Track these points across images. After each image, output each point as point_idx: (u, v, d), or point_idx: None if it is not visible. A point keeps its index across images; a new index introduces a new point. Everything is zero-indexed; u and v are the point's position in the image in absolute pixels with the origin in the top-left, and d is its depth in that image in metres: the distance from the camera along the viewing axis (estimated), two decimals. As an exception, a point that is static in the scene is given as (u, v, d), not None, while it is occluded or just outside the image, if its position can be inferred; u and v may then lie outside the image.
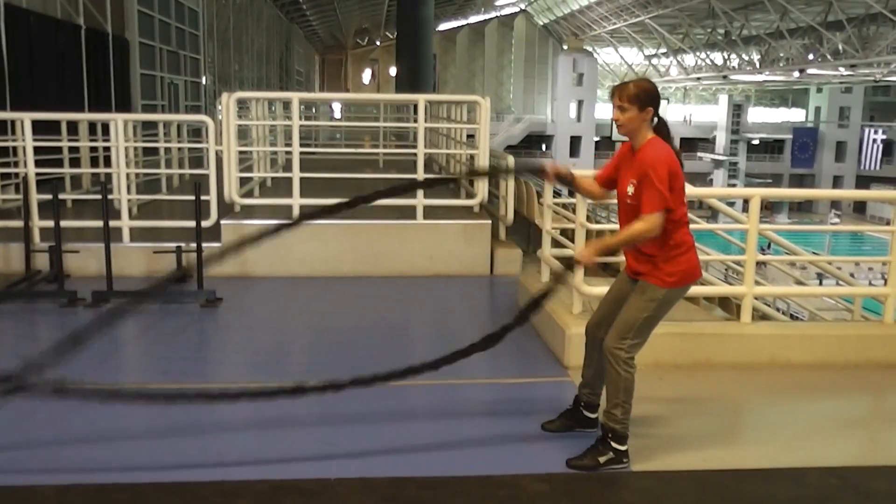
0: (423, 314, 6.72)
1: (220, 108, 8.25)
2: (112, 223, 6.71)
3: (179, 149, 11.13)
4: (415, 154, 8.06)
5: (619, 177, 3.74)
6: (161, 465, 3.74)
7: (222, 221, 7.45)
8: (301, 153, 7.66)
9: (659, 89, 3.71)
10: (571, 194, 7.60)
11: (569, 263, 3.98)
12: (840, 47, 40.80)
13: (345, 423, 4.25)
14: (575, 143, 62.28)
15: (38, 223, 7.20)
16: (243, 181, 8.07)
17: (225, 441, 4.03)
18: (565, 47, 64.96)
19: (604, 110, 59.51)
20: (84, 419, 4.21)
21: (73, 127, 9.57)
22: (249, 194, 8.37)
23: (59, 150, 9.17)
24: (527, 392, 4.82)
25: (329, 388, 3.92)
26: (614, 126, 3.73)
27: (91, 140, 9.64)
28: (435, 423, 4.32)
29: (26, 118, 7.49)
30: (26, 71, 11.70)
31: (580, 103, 62.83)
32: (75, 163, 9.57)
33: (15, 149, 8.67)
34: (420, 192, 7.68)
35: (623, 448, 3.67)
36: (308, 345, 5.90)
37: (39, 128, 7.69)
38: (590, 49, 64.28)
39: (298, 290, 7.17)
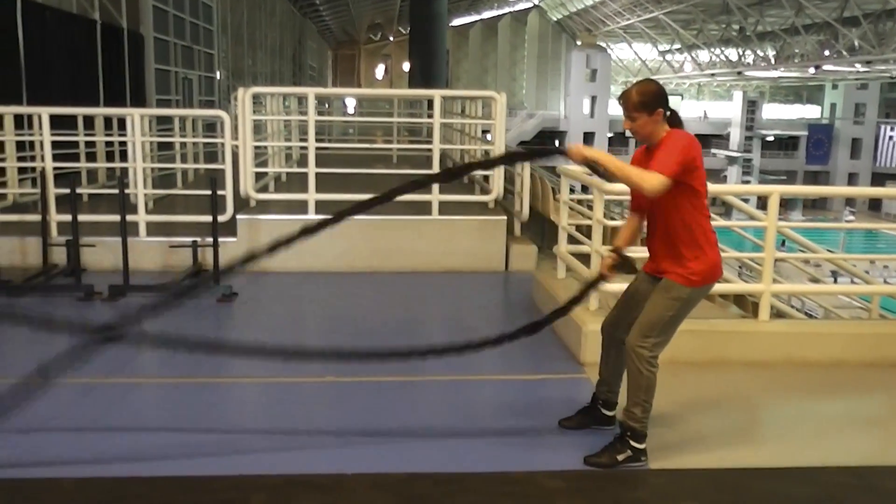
0: (438, 310, 6.72)
1: (234, 103, 8.27)
2: (128, 217, 6.75)
3: (194, 144, 11.16)
4: (428, 149, 8.06)
5: None
6: (176, 458, 3.76)
7: (238, 216, 7.48)
8: (315, 148, 7.68)
9: (663, 85, 3.69)
10: (585, 189, 7.57)
11: (601, 275, 3.99)
12: (856, 43, 40.51)
13: (358, 418, 4.26)
14: (588, 139, 62.04)
15: (55, 217, 7.25)
16: (258, 176, 8.09)
17: (239, 435, 4.05)
18: (578, 43, 64.73)
19: (617, 107, 59.32)
20: (100, 412, 4.25)
21: (87, 121, 9.62)
22: (264, 189, 8.39)
23: (74, 144, 9.21)
24: (542, 389, 4.81)
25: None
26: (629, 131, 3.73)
27: (106, 134, 9.68)
28: (449, 419, 4.32)
29: (44, 112, 7.53)
30: (42, 65, 11.75)
31: (593, 99, 62.60)
32: (90, 157, 9.61)
33: (32, 143, 8.71)
34: (436, 188, 7.68)
35: (641, 446, 3.66)
36: (323, 340, 5.91)
37: (56, 122, 7.73)
38: (603, 45, 64.04)
39: (313, 286, 7.19)
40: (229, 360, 5.49)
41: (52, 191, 7.30)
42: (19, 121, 8.84)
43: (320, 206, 7.56)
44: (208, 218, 6.70)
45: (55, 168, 7.51)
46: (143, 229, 7.38)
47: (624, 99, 3.62)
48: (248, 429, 4.16)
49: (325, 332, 6.07)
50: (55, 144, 7.64)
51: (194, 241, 7.06)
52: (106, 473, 3.60)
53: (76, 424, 4.09)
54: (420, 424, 4.23)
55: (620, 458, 3.66)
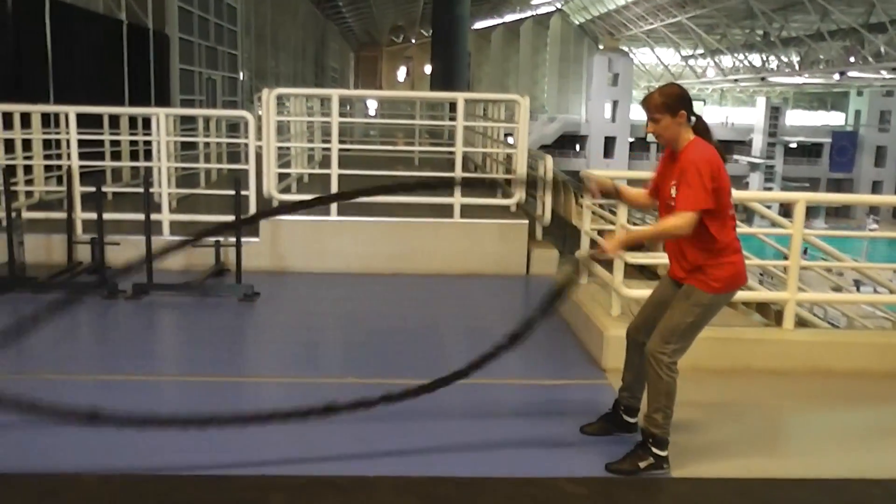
0: (458, 313, 6.71)
1: (257, 103, 8.31)
2: (152, 216, 6.80)
3: (217, 144, 11.23)
4: (449, 152, 8.06)
5: (662, 181, 3.71)
6: (197, 457, 3.77)
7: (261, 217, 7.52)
8: (338, 150, 7.71)
9: (687, 89, 3.68)
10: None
11: (592, 254, 3.92)
12: (882, 49, 40.06)
13: (381, 420, 4.25)
14: (609, 143, 61.82)
15: (80, 215, 7.31)
16: (281, 177, 8.13)
17: (261, 435, 4.05)
18: (601, 47, 64.55)
19: (639, 111, 59.05)
20: (124, 409, 4.27)
21: (112, 120, 9.70)
22: (287, 190, 8.42)
23: (100, 143, 9.29)
24: (564, 394, 4.80)
25: (360, 406, 3.87)
26: (652, 136, 3.71)
27: (131, 133, 9.76)
28: (471, 423, 4.31)
29: (71, 111, 7.60)
30: (69, 64, 11.88)
31: (615, 104, 62.33)
32: (115, 156, 9.70)
33: (58, 141, 8.80)
34: (458, 191, 7.68)
35: (663, 454, 3.63)
36: (343, 341, 5.92)
37: (82, 121, 7.80)
38: (625, 49, 63.81)
39: (335, 287, 7.20)
40: (249, 359, 5.55)
41: (78, 189, 7.36)
42: (45, 119, 8.92)
43: (342, 208, 7.58)
44: (231, 217, 6.73)
45: (81, 166, 7.58)
46: (166, 228, 7.43)
47: (647, 101, 3.62)
48: (270, 428, 4.15)
49: (343, 333, 6.07)
50: (81, 143, 7.71)
51: (217, 241, 7.10)
52: (127, 470, 3.62)
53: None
54: (441, 427, 4.22)
55: (642, 465, 3.63)
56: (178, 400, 4.64)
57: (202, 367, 5.12)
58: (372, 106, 26.96)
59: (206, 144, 10.90)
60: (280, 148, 8.11)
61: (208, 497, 3.47)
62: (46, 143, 8.76)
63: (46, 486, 3.48)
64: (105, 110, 9.42)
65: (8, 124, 7.99)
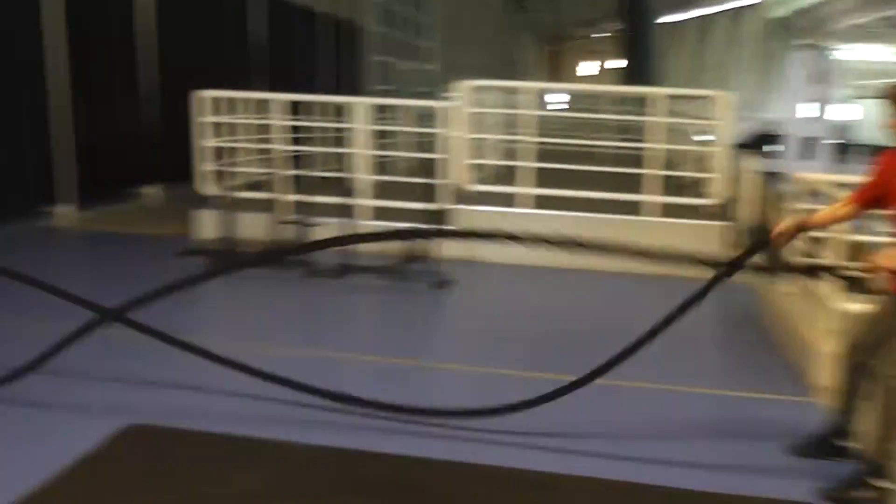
0: (649, 314, 6.48)
1: (450, 94, 8.43)
2: (351, 201, 7.08)
3: (412, 133, 11.51)
4: (639, 148, 7.97)
5: (893, 190, 3.39)
6: (379, 434, 3.85)
7: (455, 206, 7.64)
8: (531, 143, 7.71)
9: None
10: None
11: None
12: None
13: (572, 417, 4.19)
14: (809, 144, 58.11)
15: (285, 197, 7.72)
16: (475, 167, 8.22)
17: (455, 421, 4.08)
18: (800, 43, 60.70)
19: (841, 111, 55.11)
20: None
21: (306, 108, 10.13)
22: (481, 181, 8.50)
23: (299, 129, 9.74)
24: (768, 409, 4.52)
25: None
26: (873, 130, 3.44)
27: (334, 122, 10.20)
28: (670, 432, 4.17)
29: (282, 99, 8.05)
30: (278, 55, 12.59)
31: (815, 103, 58.48)
32: (313, 142, 10.16)
33: (261, 126, 9.30)
34: (654, 188, 7.49)
35: (889, 486, 3.33)
36: (528, 335, 5.86)
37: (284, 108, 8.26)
38: (827, 45, 59.63)
39: (522, 278, 7.20)
40: (432, 345, 5.63)
41: (285, 172, 7.79)
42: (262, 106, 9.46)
43: (538, 201, 7.59)
44: (426, 206, 6.89)
45: (287, 151, 8.02)
46: (363, 213, 7.70)
47: (894, 93, 3.35)
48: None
49: (529, 326, 6.03)
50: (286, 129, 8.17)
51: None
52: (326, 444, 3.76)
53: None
54: (640, 433, 4.12)
55: (863, 495, 3.34)
56: (363, 381, 4.76)
57: (381, 349, 5.32)
58: (555, 99, 26.82)
59: (406, 133, 11.19)
60: (475, 139, 8.21)
61: (426, 480, 3.50)
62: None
63: (248, 450, 3.66)
64: (310, 98, 9.85)
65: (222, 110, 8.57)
